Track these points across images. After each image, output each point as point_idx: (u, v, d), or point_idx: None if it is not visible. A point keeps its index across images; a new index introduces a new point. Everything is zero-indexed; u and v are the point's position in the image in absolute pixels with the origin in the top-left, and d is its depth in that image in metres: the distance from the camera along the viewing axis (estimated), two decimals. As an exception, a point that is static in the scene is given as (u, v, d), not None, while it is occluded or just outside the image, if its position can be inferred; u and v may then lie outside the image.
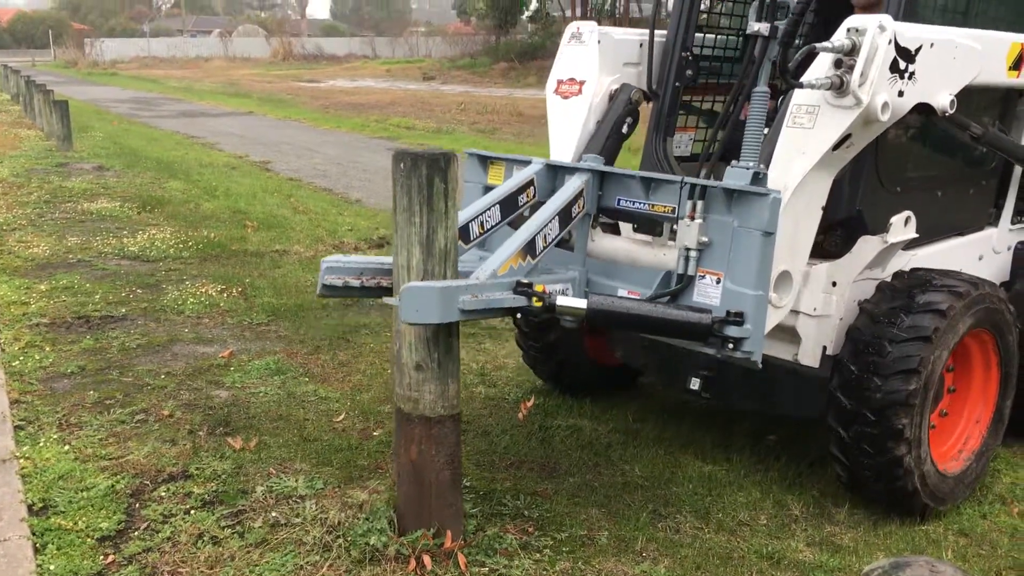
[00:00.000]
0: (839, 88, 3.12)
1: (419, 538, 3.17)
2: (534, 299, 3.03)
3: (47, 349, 5.18)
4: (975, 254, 4.26)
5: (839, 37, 3.13)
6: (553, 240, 3.37)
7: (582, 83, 4.08)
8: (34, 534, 3.24)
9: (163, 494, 3.57)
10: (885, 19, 3.12)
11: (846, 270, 3.64)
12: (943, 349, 3.42)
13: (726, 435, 4.35)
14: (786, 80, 3.24)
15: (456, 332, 3.18)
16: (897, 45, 3.16)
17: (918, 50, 3.24)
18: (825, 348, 3.64)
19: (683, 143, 4.52)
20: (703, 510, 3.64)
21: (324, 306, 6.25)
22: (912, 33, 3.22)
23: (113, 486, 3.62)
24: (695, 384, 3.81)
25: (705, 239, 3.17)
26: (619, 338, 4.48)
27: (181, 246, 7.74)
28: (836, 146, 3.26)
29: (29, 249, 7.45)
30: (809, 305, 3.60)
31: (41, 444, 3.97)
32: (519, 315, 3.23)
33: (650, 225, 3.74)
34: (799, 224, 3.34)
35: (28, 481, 3.63)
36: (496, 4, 44.17)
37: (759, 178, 3.20)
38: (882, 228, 3.64)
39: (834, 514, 3.67)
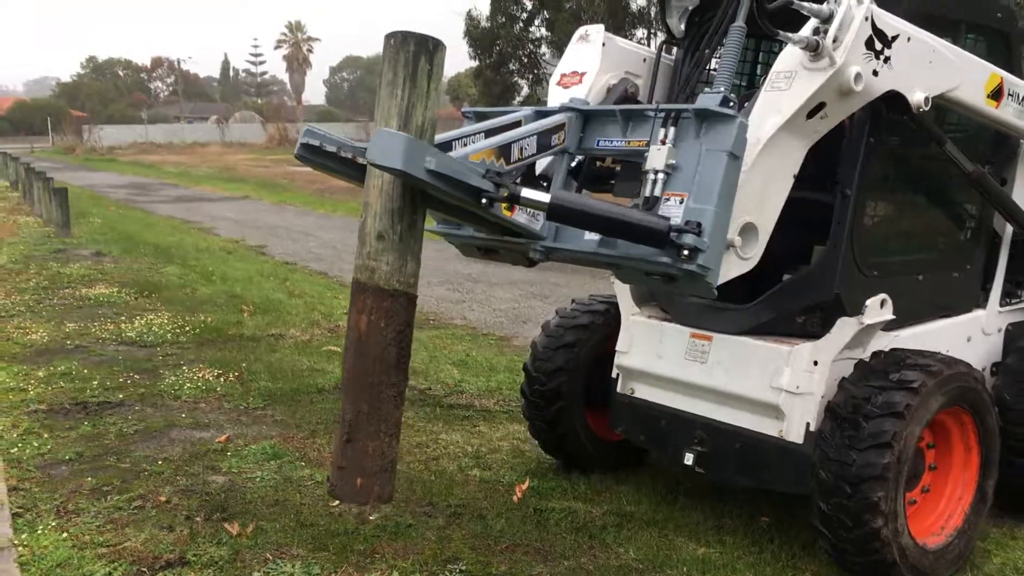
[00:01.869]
0: (815, 50, 3.28)
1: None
2: (500, 187, 3.09)
3: (45, 436, 5.22)
4: (963, 335, 4.38)
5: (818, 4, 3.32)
6: (528, 158, 3.46)
7: (583, 74, 4.20)
8: (32, 623, 3.26)
9: (160, 581, 3.59)
10: None
11: (826, 350, 3.79)
12: (916, 425, 3.54)
13: (719, 516, 4.39)
14: (763, 23, 3.41)
15: (422, 212, 3.23)
16: (874, 24, 3.35)
17: (895, 38, 3.44)
18: (808, 424, 3.77)
19: None
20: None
21: (320, 391, 6.32)
22: (890, 20, 3.43)
23: (110, 574, 3.63)
24: (689, 459, 3.94)
25: (673, 162, 3.22)
26: (619, 414, 4.59)
27: (178, 331, 7.83)
28: (811, 114, 3.40)
29: (27, 335, 7.52)
30: (792, 383, 3.76)
31: (39, 531, 3.99)
32: (483, 200, 3.17)
33: (630, 186, 3.75)
34: (768, 183, 3.45)
35: (26, 569, 3.64)
36: (490, 91, 45.20)
37: (728, 104, 3.27)
38: (859, 310, 3.78)
39: None
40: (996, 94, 3.95)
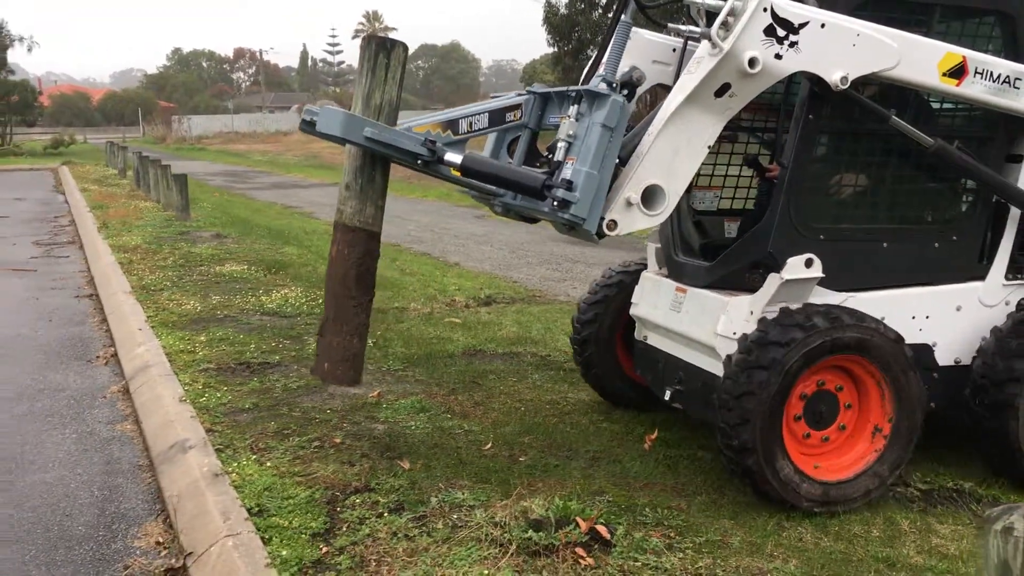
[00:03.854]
0: (708, 39, 3.91)
1: (571, 531, 3.78)
2: (430, 150, 4.09)
3: (223, 389, 5.92)
4: (951, 304, 4.67)
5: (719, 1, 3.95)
6: (479, 131, 4.39)
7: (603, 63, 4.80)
8: (259, 530, 3.90)
9: (355, 502, 4.21)
10: None
11: (759, 302, 4.37)
12: (794, 361, 4.08)
13: (834, 464, 4.84)
14: (646, 16, 4.44)
15: (381, 170, 4.30)
16: (774, 14, 3.89)
17: (803, 25, 3.95)
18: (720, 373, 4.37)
19: (707, 200, 5.35)
20: (821, 524, 4.14)
21: (451, 355, 6.92)
22: (795, 9, 3.95)
23: (311, 496, 4.27)
24: (667, 395, 4.86)
25: (572, 133, 4.07)
26: (636, 358, 5.37)
27: (312, 303, 8.52)
28: (719, 93, 3.99)
29: (181, 307, 8.30)
30: (728, 330, 4.41)
31: (242, 463, 4.65)
32: (419, 162, 4.17)
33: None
34: (678, 152, 4.10)
35: (241, 491, 4.30)
36: (568, 77, 45.51)
37: (611, 86, 4.11)
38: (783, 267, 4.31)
39: (938, 529, 4.14)
40: (956, 72, 4.27)
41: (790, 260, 4.31)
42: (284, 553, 3.70)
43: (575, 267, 11.61)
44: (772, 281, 4.36)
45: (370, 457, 4.79)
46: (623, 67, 4.69)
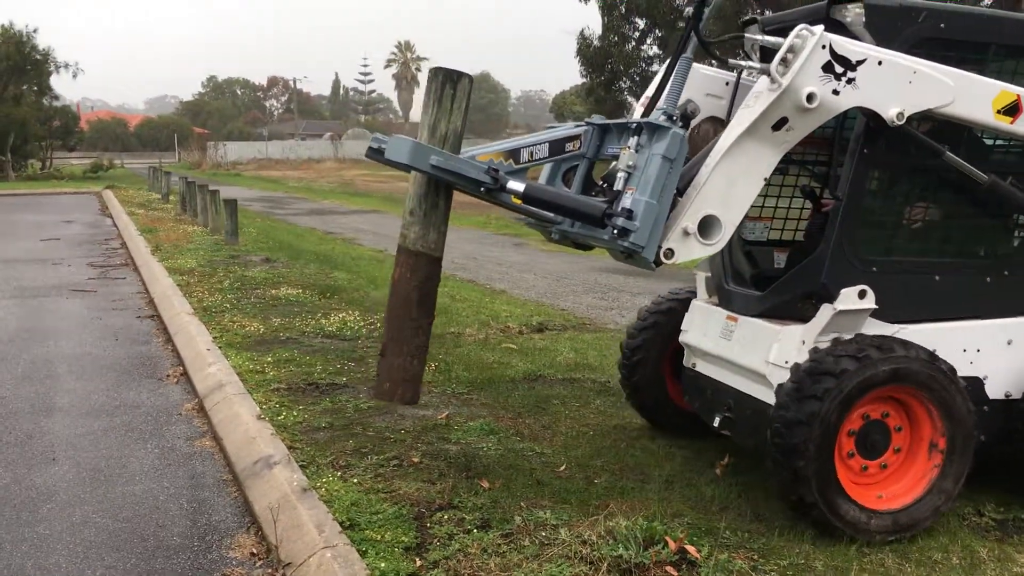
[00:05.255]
0: (768, 75, 4.04)
1: (660, 551, 3.88)
2: (492, 177, 4.20)
3: (298, 408, 6.07)
4: (1001, 338, 4.72)
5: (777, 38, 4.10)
6: (539, 160, 4.52)
7: (650, 97, 4.97)
8: (354, 543, 4.02)
9: (441, 518, 4.33)
10: (817, 29, 4.00)
11: (811, 331, 4.46)
12: (847, 390, 4.16)
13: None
14: (707, 50, 4.52)
15: (444, 197, 4.41)
16: (832, 51, 4.00)
17: (860, 62, 4.07)
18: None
19: (757, 230, 5.48)
20: (901, 551, 4.20)
21: (512, 380, 7.05)
22: (853, 47, 4.07)
23: (398, 511, 4.39)
24: (716, 421, 4.93)
25: (632, 163, 4.18)
26: (685, 385, 5.46)
27: (370, 327, 8.70)
28: (777, 127, 4.12)
29: (244, 328, 8.50)
30: (780, 358, 4.49)
31: (327, 479, 4.79)
32: (482, 189, 4.27)
33: None
34: (735, 182, 4.22)
35: (330, 505, 4.43)
36: (600, 108, 45.83)
37: (671, 119, 4.20)
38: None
39: (1017, 558, 4.20)
40: (1011, 110, 4.37)
41: (843, 291, 4.41)
42: (382, 565, 3.82)
43: (620, 296, 11.72)
44: (825, 311, 4.44)
45: (449, 476, 4.90)
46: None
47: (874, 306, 4.46)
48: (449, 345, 8.21)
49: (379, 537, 4.11)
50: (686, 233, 4.19)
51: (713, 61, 4.79)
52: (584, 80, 49.18)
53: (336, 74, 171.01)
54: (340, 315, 9.19)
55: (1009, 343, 4.75)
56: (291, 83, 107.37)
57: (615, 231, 4.05)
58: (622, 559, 3.83)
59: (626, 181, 4.21)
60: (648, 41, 46.26)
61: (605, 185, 4.62)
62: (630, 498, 4.68)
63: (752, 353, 4.74)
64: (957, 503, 4.52)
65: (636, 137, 4.27)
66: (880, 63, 4.13)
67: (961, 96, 4.27)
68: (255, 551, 4.28)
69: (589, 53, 46.15)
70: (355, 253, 15.82)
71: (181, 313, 9.10)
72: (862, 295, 4.43)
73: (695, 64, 5.08)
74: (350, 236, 19.27)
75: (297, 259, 13.77)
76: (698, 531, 4.25)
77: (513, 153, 4.43)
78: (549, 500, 4.61)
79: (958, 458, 4.38)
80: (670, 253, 4.20)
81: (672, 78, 4.63)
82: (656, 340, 5.71)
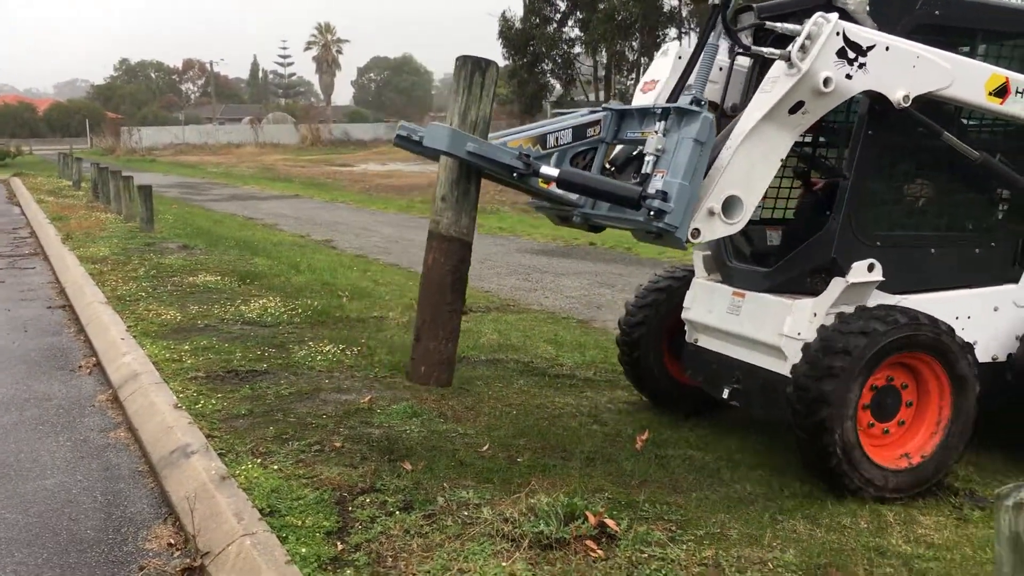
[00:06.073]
0: (788, 60, 4.19)
1: (580, 525, 3.94)
2: (528, 165, 4.28)
3: (216, 396, 5.97)
4: (989, 305, 5.04)
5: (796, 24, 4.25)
6: (564, 145, 4.58)
7: (657, 82, 5.17)
8: (274, 529, 3.98)
9: (363, 502, 4.31)
10: (833, 16, 4.18)
11: (822, 304, 4.68)
12: (865, 362, 4.41)
13: (817, 461, 5.06)
14: (735, 39, 4.57)
15: (475, 181, 4.48)
16: (846, 38, 4.19)
17: (870, 47, 4.27)
18: (791, 372, 4.61)
19: (773, 237, 5.60)
20: (812, 516, 4.34)
21: (436, 362, 7.03)
22: (864, 34, 4.27)
23: (320, 496, 4.36)
24: (725, 393, 5.09)
25: (661, 147, 4.27)
26: (687, 360, 5.59)
27: (291, 313, 8.58)
28: (793, 110, 4.29)
29: (160, 316, 8.30)
30: (793, 330, 4.69)
31: (247, 467, 4.73)
32: (515, 175, 4.34)
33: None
34: (755, 165, 4.36)
35: (250, 492, 4.38)
36: (523, 91, 45.93)
37: (700, 103, 4.29)
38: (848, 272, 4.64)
39: (922, 520, 4.37)
40: (1000, 92, 4.65)
41: (855, 264, 4.64)
42: (303, 551, 3.80)
43: (544, 277, 11.79)
44: (837, 284, 4.67)
45: (372, 459, 4.89)
46: (670, 86, 5.00)
47: (881, 278, 4.69)
48: (372, 329, 8.16)
49: (300, 523, 4.07)
50: (711, 213, 4.30)
51: (738, 48, 4.82)
52: (507, 62, 49.20)
53: (255, 56, 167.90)
54: (261, 301, 9.05)
55: (996, 310, 5.06)
56: (208, 66, 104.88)
57: (651, 213, 4.12)
58: (543, 535, 3.88)
59: (655, 164, 4.27)
60: (570, 23, 46.49)
61: (612, 168, 4.80)
62: (552, 475, 4.73)
63: (763, 327, 4.93)
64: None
65: (663, 122, 4.33)
66: (888, 48, 4.33)
67: (958, 79, 4.51)
68: (173, 541, 4.20)
69: (511, 35, 46.25)
70: (276, 239, 15.58)
71: (94, 302, 8.85)
72: (871, 268, 4.67)
73: (689, 50, 5.20)
74: (271, 222, 18.96)
75: (216, 246, 13.49)
76: (618, 505, 4.32)
77: (541, 139, 4.52)
78: (472, 480, 4.63)
79: (964, 417, 4.65)
80: (697, 233, 4.30)
81: (699, 63, 4.70)
82: (655, 317, 5.84)
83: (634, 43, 44.34)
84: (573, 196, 4.60)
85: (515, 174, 4.35)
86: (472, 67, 4.43)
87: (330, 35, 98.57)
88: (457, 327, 4.72)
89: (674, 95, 4.84)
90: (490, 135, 4.55)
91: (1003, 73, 4.66)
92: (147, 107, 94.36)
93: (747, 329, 5.07)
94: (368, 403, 5.96)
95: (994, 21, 4.87)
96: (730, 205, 4.34)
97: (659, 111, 4.43)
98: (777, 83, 4.29)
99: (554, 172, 4.30)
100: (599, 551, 3.81)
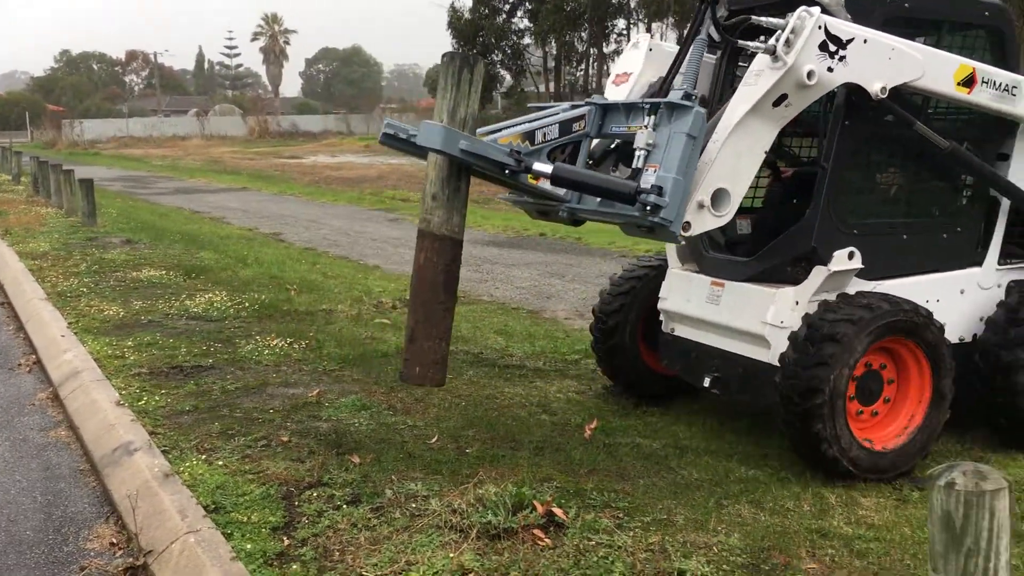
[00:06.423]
0: (773, 54, 4.25)
1: (528, 515, 3.95)
2: (520, 162, 4.27)
3: (160, 392, 5.87)
4: (956, 288, 5.23)
5: (779, 19, 4.33)
6: (551, 141, 4.54)
7: (629, 74, 5.22)
8: (218, 526, 3.94)
9: (310, 496, 4.28)
10: (815, 10, 4.27)
11: (804, 292, 4.78)
12: (857, 345, 4.52)
13: (762, 447, 5.14)
14: (722, 34, 4.69)
15: (465, 179, 4.42)
16: (827, 31, 4.28)
17: (850, 41, 4.36)
18: (779, 359, 4.71)
19: (743, 226, 5.68)
20: (756, 501, 4.41)
21: (385, 355, 7.00)
22: (844, 27, 4.36)
23: (266, 492, 4.32)
24: (706, 382, 5.14)
25: (651, 142, 4.27)
26: (663, 350, 5.62)
27: (238, 307, 8.47)
28: (777, 103, 4.35)
29: (102, 312, 8.14)
30: (776, 318, 4.78)
31: (191, 463, 4.66)
32: (507, 172, 4.33)
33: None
34: (741, 158, 4.43)
35: (194, 489, 4.32)
36: (473, 82, 45.78)
37: (690, 97, 4.31)
38: (829, 260, 4.73)
39: (862, 502, 4.46)
40: (967, 82, 4.80)
41: (836, 253, 4.72)
42: (248, 547, 3.76)
43: (494, 268, 11.78)
44: (819, 273, 4.76)
45: (319, 453, 4.85)
46: (650, 78, 5.07)
47: (861, 266, 4.78)
48: (320, 322, 8.08)
49: (245, 519, 4.03)
50: (701, 206, 4.33)
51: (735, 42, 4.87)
52: (456, 53, 48.90)
53: (200, 47, 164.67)
54: (207, 296, 8.92)
55: (962, 292, 5.23)
56: (152, 57, 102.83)
57: (647, 208, 4.11)
58: (491, 525, 3.88)
59: (646, 159, 4.26)
60: (519, 14, 46.42)
61: (591, 162, 4.81)
62: (500, 466, 4.74)
63: (744, 316, 5.00)
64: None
65: (652, 116, 4.32)
66: (866, 41, 4.42)
67: (929, 70, 4.62)
68: (115, 541, 4.13)
69: (460, 26, 46.04)
70: (223, 232, 15.35)
71: (33, 299, 8.64)
72: (851, 256, 4.77)
73: (661, 43, 5.31)
74: (218, 215, 18.68)
75: (161, 240, 13.26)
76: (566, 494, 4.34)
77: (529, 135, 4.48)
78: (420, 472, 4.62)
79: (943, 398, 4.79)
80: (687, 226, 4.32)
81: (688, 58, 4.73)
82: (632, 306, 5.86)
83: (583, 34, 44.39)
84: (560, 191, 4.58)
85: (507, 171, 4.33)
86: (461, 63, 4.37)
87: (277, 25, 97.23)
88: (450, 326, 4.66)
89: (663, 89, 4.93)
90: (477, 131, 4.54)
91: (970, 63, 4.79)
92: (90, 99, 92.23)
93: (727, 318, 5.12)
94: (316, 397, 5.91)
95: (959, 12, 5.03)
96: (718, 198, 4.38)
97: (647, 106, 4.43)
98: (762, 76, 4.33)
99: (548, 168, 4.28)
100: (547, 540, 3.83)
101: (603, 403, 5.95)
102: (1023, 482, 4.69)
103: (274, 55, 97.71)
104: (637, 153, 4.29)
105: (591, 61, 46.29)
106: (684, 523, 4.10)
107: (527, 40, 46.83)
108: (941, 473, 2.38)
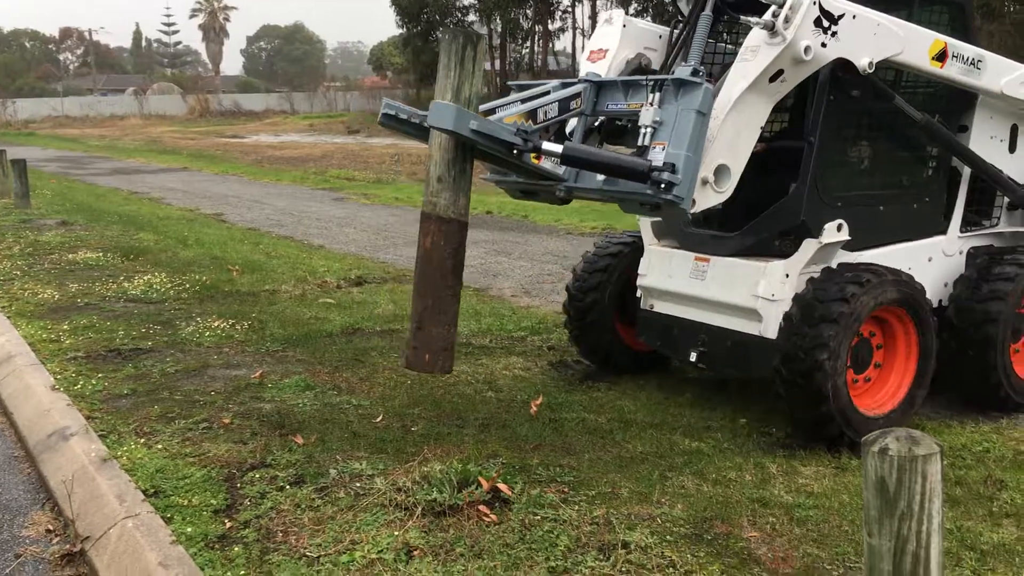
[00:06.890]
0: (771, 29, 4.28)
1: (473, 491, 3.95)
2: (527, 141, 4.18)
3: (97, 376, 5.74)
4: (924, 256, 5.39)
5: None
6: (551, 119, 4.47)
7: (606, 51, 5.17)
8: (158, 510, 3.87)
9: (253, 478, 4.23)
10: None
11: (795, 265, 4.83)
12: (857, 311, 4.63)
13: (707, 420, 5.20)
14: (726, 10, 4.71)
15: (471, 161, 4.31)
16: (821, 7, 4.33)
17: (841, 16, 4.42)
18: (781, 324, 4.76)
19: None
20: (699, 472, 4.45)
21: (330, 335, 6.94)
22: (835, 2, 4.42)
23: (207, 474, 4.26)
24: (693, 356, 5.13)
25: (658, 119, 4.22)
26: (642, 326, 5.64)
27: (178, 288, 8.32)
28: (773, 79, 4.39)
29: (36, 295, 7.93)
30: (768, 291, 4.82)
31: (129, 447, 4.57)
32: (514, 151, 4.23)
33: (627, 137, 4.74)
34: (740, 133, 4.45)
35: (133, 474, 4.24)
36: (418, 59, 45.36)
37: (698, 74, 4.27)
38: (820, 233, 4.79)
39: (802, 471, 4.53)
40: (940, 56, 4.91)
41: (827, 225, 4.79)
42: (188, 530, 3.70)
43: (441, 247, 11.70)
44: (809, 245, 4.81)
45: (262, 435, 4.79)
46: (627, 55, 5.05)
47: (848, 238, 4.84)
48: (264, 303, 7.97)
49: (186, 502, 3.97)
50: (704, 182, 4.31)
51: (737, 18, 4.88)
52: (401, 31, 48.50)
53: (137, 24, 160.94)
54: (145, 277, 8.74)
55: (930, 260, 5.38)
56: (87, 34, 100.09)
57: (661, 185, 4.03)
58: (436, 503, 3.87)
59: (652, 136, 4.20)
60: (464, -10, 45.95)
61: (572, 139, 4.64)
62: (446, 443, 4.73)
63: (733, 290, 5.02)
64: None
65: (656, 93, 4.25)
66: (854, 17, 4.45)
67: (908, 44, 4.69)
68: (51, 527, 4.04)
69: (404, 3, 45.48)
70: (163, 213, 15.05)
71: (-36, 283, 8.39)
72: (840, 228, 4.84)
73: (636, 20, 5.30)
74: (158, 196, 18.30)
75: (98, 221, 12.96)
76: (512, 469, 4.34)
77: (531, 114, 4.39)
78: (365, 451, 4.59)
79: (929, 360, 4.96)
80: (692, 203, 4.28)
81: (696, 34, 4.70)
82: (608, 283, 5.84)
83: (528, 11, 44.19)
84: (560, 170, 4.47)
85: (515, 150, 4.23)
86: (464, 40, 4.22)
87: (217, 2, 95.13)
88: (457, 311, 4.49)
89: (667, 64, 4.96)
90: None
91: (942, 38, 4.88)
92: (22, 78, 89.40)
93: (715, 293, 5.13)
94: (259, 378, 5.84)
95: None
96: (720, 173, 4.38)
97: (651, 83, 4.36)
98: (759, 52, 4.33)
99: (558, 148, 4.18)
100: (492, 516, 3.83)
101: (549, 379, 5.96)
102: (957, 448, 4.81)
103: (214, 32, 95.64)
104: (643, 130, 4.23)
105: (536, 38, 46.16)
106: (629, 496, 4.13)
107: (472, 17, 46.48)
108: (875, 439, 2.42)
